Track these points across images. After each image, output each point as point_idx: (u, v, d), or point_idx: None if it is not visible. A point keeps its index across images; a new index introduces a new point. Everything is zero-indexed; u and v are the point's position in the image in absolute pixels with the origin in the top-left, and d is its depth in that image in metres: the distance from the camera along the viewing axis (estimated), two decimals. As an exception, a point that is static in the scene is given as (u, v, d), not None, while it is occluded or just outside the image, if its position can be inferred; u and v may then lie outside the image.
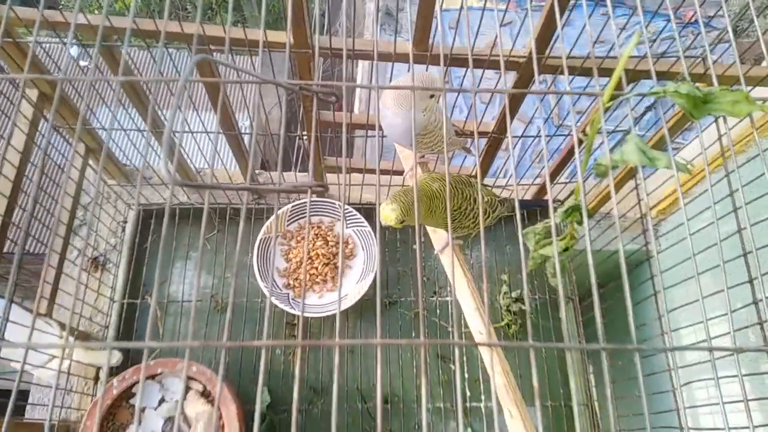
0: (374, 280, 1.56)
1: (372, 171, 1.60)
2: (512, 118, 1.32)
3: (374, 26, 4.54)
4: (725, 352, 0.82)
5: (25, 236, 1.35)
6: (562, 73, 1.14)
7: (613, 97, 0.68)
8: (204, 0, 5.20)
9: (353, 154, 3.52)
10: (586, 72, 1.15)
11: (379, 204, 1.23)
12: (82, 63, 4.91)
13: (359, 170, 1.62)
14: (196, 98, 4.65)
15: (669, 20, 0.84)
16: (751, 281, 0.91)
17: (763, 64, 1.39)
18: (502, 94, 0.66)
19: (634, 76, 1.19)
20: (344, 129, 1.47)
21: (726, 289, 0.72)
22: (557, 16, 0.84)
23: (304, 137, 1.41)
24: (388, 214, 0.92)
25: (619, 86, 0.66)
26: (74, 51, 5.22)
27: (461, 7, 0.85)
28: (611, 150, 0.67)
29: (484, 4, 0.99)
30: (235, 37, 1.06)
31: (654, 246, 1.59)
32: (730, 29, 0.79)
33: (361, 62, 3.32)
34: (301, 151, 2.00)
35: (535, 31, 1.12)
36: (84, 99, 0.64)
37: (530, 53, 1.11)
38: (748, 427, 0.73)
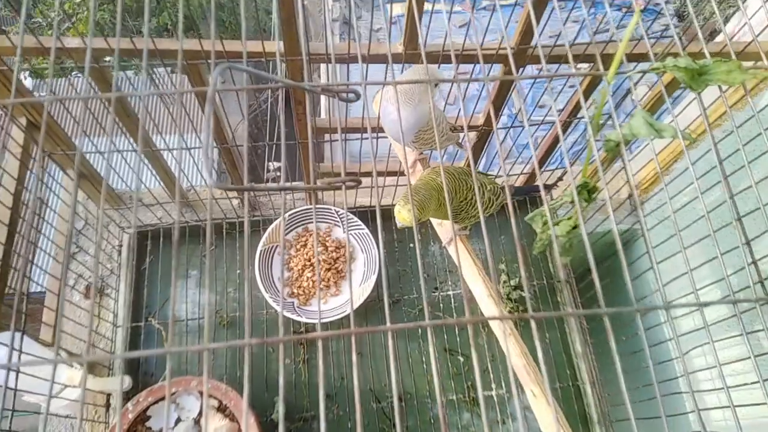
0: (377, 282, 1.59)
1: (366, 174, 1.62)
2: (501, 109, 1.36)
3: (349, 41, 4.59)
4: (721, 315, 0.86)
5: (22, 277, 1.33)
6: (552, 60, 1.19)
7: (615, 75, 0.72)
8: (196, 15, 5.17)
9: (323, 159, 3.54)
10: (560, 60, 1.20)
11: (380, 206, 1.25)
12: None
13: (354, 174, 1.64)
14: (163, 121, 4.61)
15: (619, 9, 0.89)
16: (748, 242, 0.96)
17: (717, 39, 1.47)
18: (515, 81, 0.70)
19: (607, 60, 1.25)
20: (369, 131, 1.49)
21: (720, 255, 0.76)
22: (532, 16, 0.89)
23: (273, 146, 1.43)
24: (405, 216, 0.93)
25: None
26: (29, 83, 5.11)
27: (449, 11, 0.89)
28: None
29: (432, 7, 1.04)
30: (232, 49, 1.08)
31: (643, 223, 1.65)
32: (695, 20, 0.83)
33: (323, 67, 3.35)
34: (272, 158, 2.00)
35: (519, 24, 1.17)
36: (79, 120, 0.65)
37: (516, 45, 1.15)
38: (756, 382, 0.77)
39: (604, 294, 0.59)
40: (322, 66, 4.23)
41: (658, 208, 1.75)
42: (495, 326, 1.08)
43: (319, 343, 0.52)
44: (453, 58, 1.06)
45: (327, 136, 1.53)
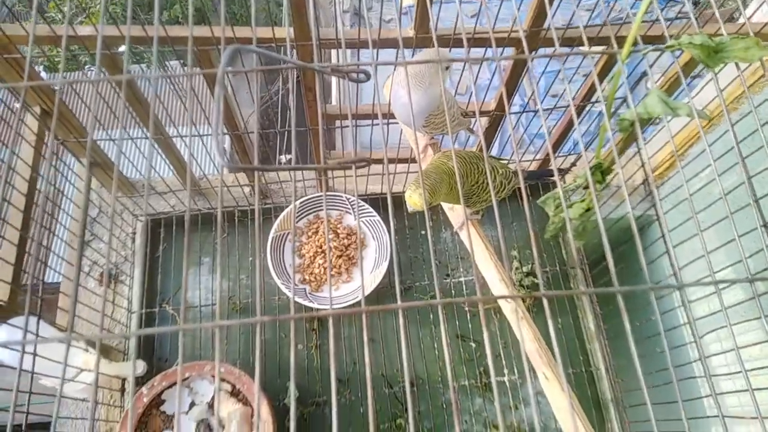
0: (388, 269, 1.59)
1: (377, 161, 1.61)
2: (512, 94, 1.35)
3: (359, 27, 4.58)
4: (738, 299, 0.85)
5: (36, 262, 1.35)
6: (565, 43, 1.17)
7: (629, 54, 0.71)
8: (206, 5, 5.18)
9: (335, 146, 3.54)
10: (574, 43, 1.19)
11: (391, 193, 1.24)
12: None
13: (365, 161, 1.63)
14: (176, 111, 4.63)
15: None
16: (765, 224, 0.95)
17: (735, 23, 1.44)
18: (524, 59, 0.69)
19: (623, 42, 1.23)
20: (379, 117, 1.48)
21: (737, 237, 0.75)
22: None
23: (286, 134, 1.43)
24: (417, 200, 0.93)
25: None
26: (43, 77, 5.16)
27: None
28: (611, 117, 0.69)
29: None
30: (243, 36, 1.08)
31: (659, 206, 1.63)
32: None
33: (333, 53, 3.34)
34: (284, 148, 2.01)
35: (531, 7, 1.16)
36: (90, 107, 0.65)
37: (528, 27, 1.14)
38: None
39: (618, 280, 0.59)
40: (333, 55, 4.22)
41: (673, 192, 1.73)
42: (507, 311, 1.08)
43: (330, 323, 0.52)
44: (464, 42, 1.05)
45: (338, 123, 1.53)
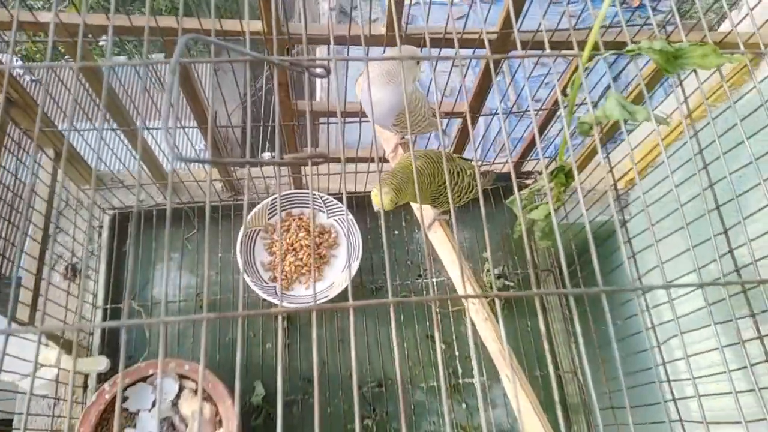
0: (360, 268, 1.58)
1: (352, 160, 1.61)
2: (485, 96, 1.35)
3: (329, 22, 4.55)
4: (700, 305, 0.86)
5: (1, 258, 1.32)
6: (533, 46, 1.18)
7: (590, 58, 0.72)
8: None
9: (318, 144, 3.52)
10: (556, 46, 1.19)
11: (362, 191, 1.23)
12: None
13: (338, 160, 1.62)
14: (150, 110, 4.58)
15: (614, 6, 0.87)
16: (725, 231, 0.96)
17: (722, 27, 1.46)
18: (481, 60, 0.69)
19: (596, 48, 1.24)
20: (339, 115, 1.47)
21: (691, 247, 0.76)
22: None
23: (269, 130, 1.41)
24: (381, 199, 0.93)
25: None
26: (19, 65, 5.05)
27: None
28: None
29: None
30: (212, 28, 1.06)
31: (616, 218, 1.64)
32: (674, 8, 0.82)
33: (318, 50, 3.32)
34: (266, 147, 1.99)
35: (502, 11, 1.16)
36: (42, 87, 0.63)
37: (501, 28, 1.14)
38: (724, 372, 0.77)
39: (588, 283, 0.59)
40: (318, 52, 4.18)
41: (639, 198, 1.75)
42: (472, 311, 1.08)
43: (280, 320, 0.51)
44: (427, 42, 1.05)
45: (318, 121, 1.52)
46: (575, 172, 0.74)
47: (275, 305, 1.56)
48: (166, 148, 0.47)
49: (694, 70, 0.71)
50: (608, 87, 1.57)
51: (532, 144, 1.59)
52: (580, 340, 0.57)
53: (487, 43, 0.69)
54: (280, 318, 0.54)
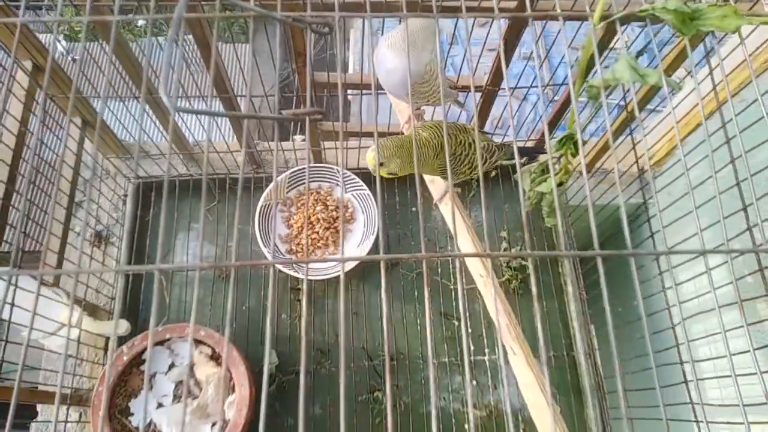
0: (375, 243, 1.59)
1: (369, 135, 1.60)
2: (508, 61, 1.32)
3: None
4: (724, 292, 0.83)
5: (25, 219, 1.36)
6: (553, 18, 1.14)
7: (602, 19, 0.69)
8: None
9: (348, 119, 3.53)
10: (578, 18, 1.16)
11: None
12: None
13: (356, 134, 1.63)
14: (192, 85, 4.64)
15: None
16: (744, 208, 0.93)
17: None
18: (496, 19, 0.67)
19: (625, 19, 1.20)
20: (339, 88, 1.47)
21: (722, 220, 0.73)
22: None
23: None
24: (370, 159, 0.95)
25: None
26: (64, 46, 5.18)
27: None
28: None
29: None
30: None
31: (655, 197, 1.60)
32: None
33: (351, 32, 3.31)
34: (299, 127, 2.00)
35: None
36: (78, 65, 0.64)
37: (521, -1, 1.11)
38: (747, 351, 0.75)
39: (608, 267, 0.58)
40: (357, 22, 4.07)
41: (666, 170, 1.70)
42: (480, 284, 1.07)
43: (304, 285, 0.52)
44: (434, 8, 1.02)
45: (351, 92, 1.52)
46: (580, 143, 0.72)
47: (298, 280, 1.58)
48: (164, 97, 0.48)
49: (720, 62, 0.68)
50: (641, 52, 1.52)
51: (555, 119, 1.55)
52: (607, 307, 0.56)
53: (496, 7, 0.68)
54: (303, 285, 0.55)
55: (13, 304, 1.07)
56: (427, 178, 1.16)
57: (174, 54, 0.55)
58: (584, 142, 1.63)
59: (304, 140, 1.99)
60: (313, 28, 0.65)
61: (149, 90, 1.42)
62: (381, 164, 1.00)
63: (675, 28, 0.67)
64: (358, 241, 1.62)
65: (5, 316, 1.08)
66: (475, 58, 2.02)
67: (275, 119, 0.61)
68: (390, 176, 1.03)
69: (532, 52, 2.99)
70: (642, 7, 0.67)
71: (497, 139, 1.52)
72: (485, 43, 1.08)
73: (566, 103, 1.47)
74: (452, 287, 1.62)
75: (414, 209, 1.75)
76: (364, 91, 1.40)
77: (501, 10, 1.13)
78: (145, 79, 0.65)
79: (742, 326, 0.86)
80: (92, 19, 0.65)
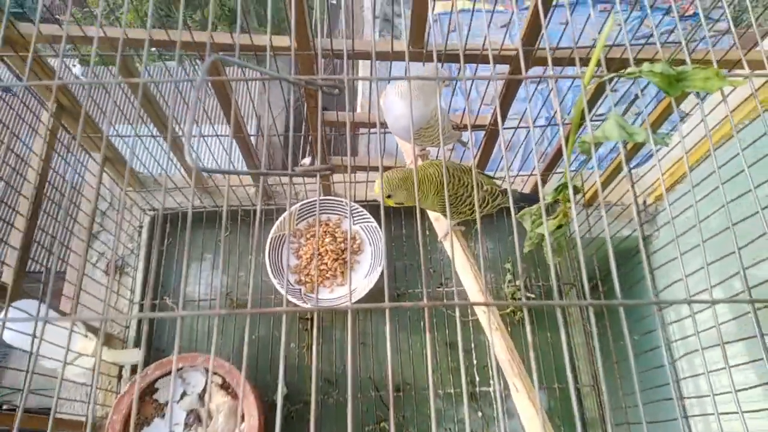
0: (382, 274, 1.62)
1: (376, 169, 1.65)
2: (505, 113, 1.38)
3: (373, 30, 4.64)
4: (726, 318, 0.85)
5: (50, 253, 1.42)
6: (553, 64, 1.20)
7: (593, 79, 0.74)
8: (210, 11, 5.31)
9: (357, 152, 3.59)
10: (573, 63, 1.21)
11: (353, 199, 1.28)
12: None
13: (364, 168, 1.68)
14: (209, 111, 4.76)
15: (665, 13, 0.89)
16: (738, 250, 0.96)
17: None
18: (495, 80, 0.72)
19: (620, 65, 1.25)
20: (348, 128, 1.53)
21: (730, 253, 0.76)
22: (541, 15, 0.90)
23: (310, 138, 1.48)
24: (378, 189, 1.01)
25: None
26: (78, 70, 5.32)
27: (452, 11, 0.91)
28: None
29: (473, 6, 1.05)
30: (243, 43, 1.13)
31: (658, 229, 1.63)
32: (728, 15, 0.84)
33: (361, 63, 3.39)
34: (308, 152, 2.06)
35: (523, 26, 1.19)
36: (100, 106, 0.70)
37: (519, 47, 1.17)
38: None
39: (611, 297, 0.62)
40: (360, 66, 4.23)
41: (663, 211, 1.73)
42: (483, 321, 1.11)
43: (315, 318, 0.56)
44: (434, 58, 1.08)
45: (362, 130, 1.58)
46: (572, 187, 0.76)
47: (306, 311, 1.62)
48: (189, 160, 0.53)
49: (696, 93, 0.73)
50: (632, 102, 1.57)
51: (554, 160, 1.60)
52: (598, 354, 0.60)
53: (492, 64, 0.73)
54: (315, 315, 0.59)
55: (41, 339, 1.11)
56: (432, 215, 1.21)
57: (197, 111, 0.60)
58: (583, 183, 1.67)
59: (312, 164, 2.04)
60: (324, 90, 0.70)
61: (165, 126, 1.49)
62: (389, 196, 1.05)
63: (661, 89, 0.71)
64: (366, 272, 1.66)
65: (29, 348, 1.12)
66: (474, 110, 2.08)
67: (288, 175, 0.66)
68: (397, 206, 1.09)
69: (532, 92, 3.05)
70: (630, 69, 0.72)
71: (500, 179, 1.57)
72: (483, 97, 1.13)
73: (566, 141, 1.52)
74: (458, 319, 1.65)
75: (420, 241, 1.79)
76: (372, 130, 1.46)
77: (499, 60, 1.19)
78: (155, 110, 0.71)
79: (745, 362, 0.89)
80: (123, 81, 0.71)
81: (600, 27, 0.80)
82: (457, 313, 0.47)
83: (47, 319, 0.62)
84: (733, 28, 0.83)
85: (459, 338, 0.68)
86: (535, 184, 1.75)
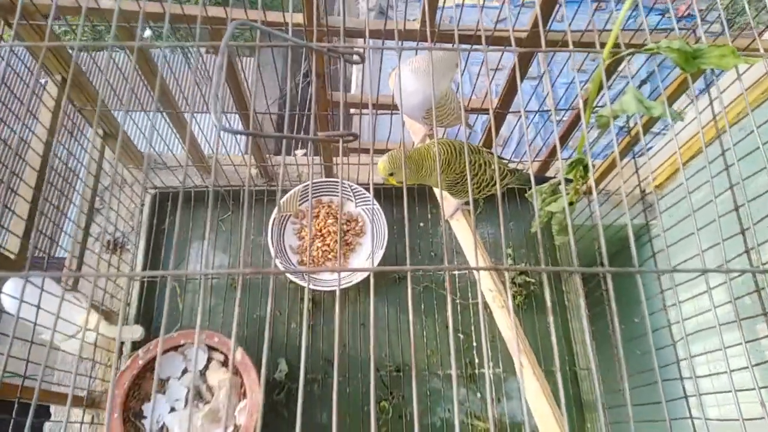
0: (383, 256, 1.63)
1: (381, 152, 1.66)
2: (514, 93, 1.39)
3: (366, 18, 4.63)
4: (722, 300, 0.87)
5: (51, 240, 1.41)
6: (563, 46, 1.21)
7: (612, 55, 0.75)
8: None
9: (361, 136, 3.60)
10: (585, 46, 1.22)
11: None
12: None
13: (367, 150, 1.68)
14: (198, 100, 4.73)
15: (662, 14, 0.90)
16: (743, 231, 0.98)
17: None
18: (512, 53, 0.73)
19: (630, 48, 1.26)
20: (362, 108, 1.53)
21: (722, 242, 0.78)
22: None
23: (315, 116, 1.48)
24: (379, 165, 1.03)
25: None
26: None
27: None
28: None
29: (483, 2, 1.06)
30: (257, 18, 1.13)
31: (659, 218, 1.65)
32: (723, 15, 0.85)
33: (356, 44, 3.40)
34: (311, 131, 2.06)
35: (536, 7, 1.19)
36: (103, 73, 0.70)
37: (531, 28, 1.18)
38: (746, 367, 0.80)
39: (615, 283, 0.63)
40: (360, 44, 4.23)
41: (670, 193, 1.76)
42: (489, 299, 1.12)
43: (306, 290, 0.57)
44: (456, 37, 1.09)
45: (357, 111, 1.58)
46: (590, 167, 0.77)
47: (302, 287, 1.62)
48: (212, 115, 0.53)
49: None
50: (644, 82, 1.57)
51: (562, 142, 1.61)
52: (616, 321, 0.61)
53: (513, 41, 0.74)
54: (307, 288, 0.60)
55: (39, 307, 1.11)
56: (439, 195, 1.22)
57: (221, 79, 0.60)
58: (593, 165, 1.68)
59: (304, 155, 2.05)
60: (347, 59, 0.70)
61: (172, 105, 1.48)
62: (391, 174, 1.06)
63: (678, 64, 0.72)
64: (367, 254, 1.67)
65: (29, 317, 1.12)
66: (484, 86, 2.09)
67: (312, 140, 0.66)
68: (400, 184, 1.10)
69: (540, 75, 3.07)
70: (648, 45, 0.72)
71: (511, 162, 1.58)
72: (495, 73, 1.14)
73: (570, 126, 1.53)
74: (458, 301, 1.66)
75: (422, 224, 1.80)
76: (363, 111, 1.46)
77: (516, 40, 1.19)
78: (158, 85, 0.71)
79: (740, 344, 0.91)
80: (115, 44, 0.70)
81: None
82: (476, 276, 0.47)
83: (27, 275, 0.61)
84: (726, 31, 0.83)
85: (449, 304, 0.69)
86: (538, 168, 1.77)
